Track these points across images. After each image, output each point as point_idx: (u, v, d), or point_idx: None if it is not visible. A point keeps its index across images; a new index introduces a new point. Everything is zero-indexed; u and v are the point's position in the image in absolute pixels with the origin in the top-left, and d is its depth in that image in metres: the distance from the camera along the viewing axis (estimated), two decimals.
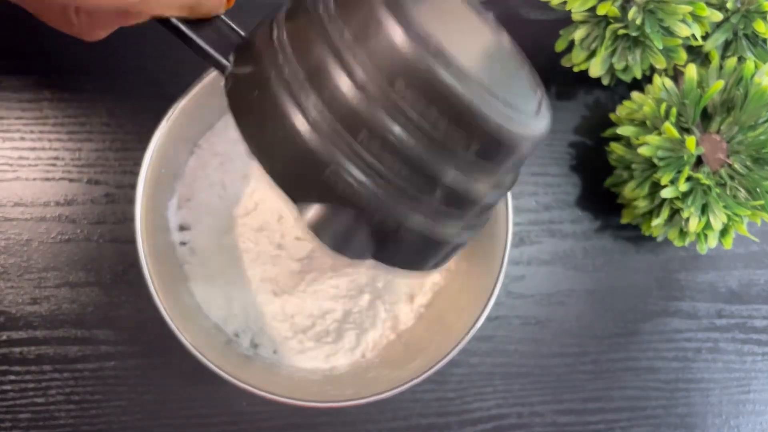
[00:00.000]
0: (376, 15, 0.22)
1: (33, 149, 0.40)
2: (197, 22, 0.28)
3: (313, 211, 0.24)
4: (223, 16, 0.29)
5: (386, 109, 0.22)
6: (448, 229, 0.26)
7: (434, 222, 0.25)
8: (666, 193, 0.39)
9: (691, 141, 0.38)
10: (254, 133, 0.24)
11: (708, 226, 0.39)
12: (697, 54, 0.42)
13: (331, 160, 0.23)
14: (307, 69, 0.23)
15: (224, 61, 0.27)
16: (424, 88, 0.22)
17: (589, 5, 0.39)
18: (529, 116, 0.25)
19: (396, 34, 0.22)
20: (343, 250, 0.25)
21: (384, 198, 0.24)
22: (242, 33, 0.29)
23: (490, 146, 0.24)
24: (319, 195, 0.24)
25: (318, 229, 0.24)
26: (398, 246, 0.25)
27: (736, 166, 0.39)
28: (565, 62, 0.43)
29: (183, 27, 0.27)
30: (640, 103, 0.41)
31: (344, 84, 0.23)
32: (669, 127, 0.38)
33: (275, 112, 0.24)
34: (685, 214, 0.39)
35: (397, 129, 0.23)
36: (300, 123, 0.23)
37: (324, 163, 0.23)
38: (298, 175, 0.24)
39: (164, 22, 0.27)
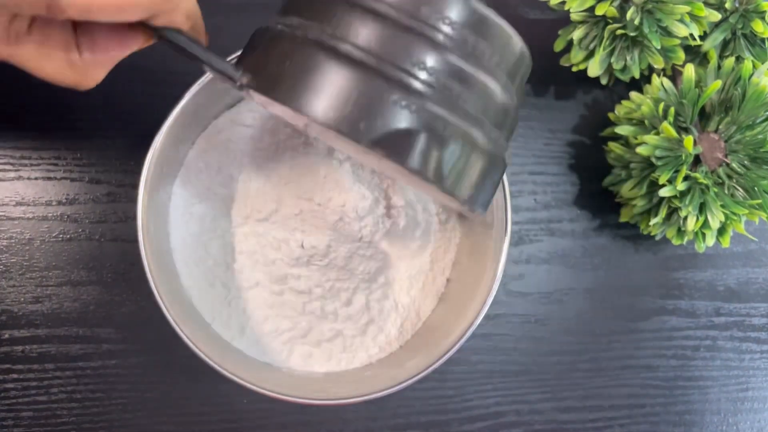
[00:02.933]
0: None
1: (35, 149, 0.40)
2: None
3: (381, 135, 0.25)
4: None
5: (418, 35, 0.25)
6: (490, 140, 0.27)
7: (483, 134, 0.27)
8: (664, 192, 0.39)
9: (689, 140, 0.38)
10: (302, 97, 0.25)
11: (706, 224, 0.39)
12: (695, 54, 0.42)
13: (384, 88, 0.24)
14: (334, 24, 0.25)
15: (233, 71, 0.27)
16: (460, 15, 0.25)
17: (588, 5, 0.39)
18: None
19: None
20: (398, 157, 0.25)
21: (437, 111, 0.25)
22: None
23: (511, 58, 0.27)
24: (382, 123, 0.24)
25: (389, 150, 0.25)
26: (442, 156, 0.26)
27: (734, 165, 0.40)
28: (563, 62, 0.43)
29: (191, 42, 0.28)
30: (638, 102, 0.41)
31: (375, 23, 0.24)
32: (667, 127, 0.38)
33: (316, 67, 0.25)
34: (683, 213, 0.39)
35: (431, 51, 0.25)
36: (345, 67, 0.24)
37: (379, 92, 0.24)
38: (362, 110, 0.25)
39: (174, 41, 0.28)
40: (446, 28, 0.25)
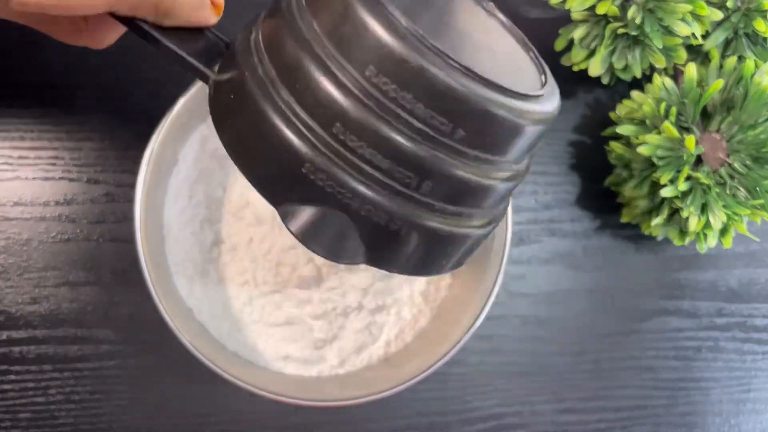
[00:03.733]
0: (345, 2, 0.21)
1: (33, 148, 0.40)
2: (183, 33, 0.27)
3: (296, 214, 0.23)
4: (212, 29, 0.29)
5: (359, 99, 0.21)
6: (456, 225, 0.24)
7: (438, 219, 0.23)
8: (665, 192, 0.39)
9: (690, 140, 0.38)
10: (232, 137, 0.24)
11: (707, 225, 0.39)
12: (697, 53, 0.42)
13: (307, 156, 0.22)
14: (279, 65, 0.23)
15: (205, 70, 0.26)
16: (401, 75, 0.21)
17: (589, 4, 0.39)
18: (527, 100, 0.22)
19: (368, 21, 0.21)
20: (331, 253, 0.23)
21: (366, 193, 0.22)
22: (229, 42, 0.28)
23: (480, 133, 0.22)
24: (299, 195, 0.23)
25: (301, 231, 0.23)
26: (395, 248, 0.24)
27: (736, 165, 0.39)
28: (564, 61, 0.43)
29: (155, 32, 0.26)
30: (639, 102, 0.41)
31: (315, 77, 0.21)
32: (669, 127, 0.38)
33: (249, 112, 0.23)
34: (684, 214, 0.39)
35: (373, 120, 0.21)
36: (274, 120, 0.22)
37: (300, 159, 0.22)
38: (275, 174, 0.23)
39: (142, 32, 0.26)
40: (412, 107, 0.21)
